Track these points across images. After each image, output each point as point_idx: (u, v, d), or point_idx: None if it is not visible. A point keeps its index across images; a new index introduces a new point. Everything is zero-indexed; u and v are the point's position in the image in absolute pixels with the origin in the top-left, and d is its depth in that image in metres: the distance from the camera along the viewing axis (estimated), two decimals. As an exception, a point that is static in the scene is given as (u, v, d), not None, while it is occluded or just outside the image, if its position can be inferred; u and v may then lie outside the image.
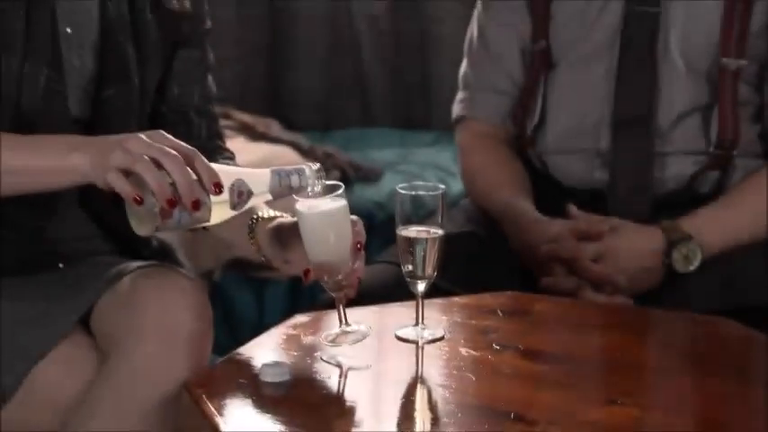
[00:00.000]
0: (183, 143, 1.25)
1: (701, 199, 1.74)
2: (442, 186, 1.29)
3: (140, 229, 1.22)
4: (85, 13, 1.45)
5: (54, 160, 1.28)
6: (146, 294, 1.33)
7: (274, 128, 2.76)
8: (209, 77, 1.57)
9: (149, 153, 1.21)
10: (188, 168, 1.21)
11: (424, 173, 2.57)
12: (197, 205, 1.20)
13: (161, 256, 1.52)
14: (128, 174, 1.21)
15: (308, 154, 2.57)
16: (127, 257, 1.45)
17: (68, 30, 1.42)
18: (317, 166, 1.28)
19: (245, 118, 2.75)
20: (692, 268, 1.65)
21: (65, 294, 1.38)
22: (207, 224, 1.25)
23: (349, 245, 1.26)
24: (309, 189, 1.26)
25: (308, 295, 2.16)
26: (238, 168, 1.28)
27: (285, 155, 2.49)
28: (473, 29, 1.91)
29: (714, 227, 1.68)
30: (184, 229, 1.31)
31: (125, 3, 1.47)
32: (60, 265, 1.45)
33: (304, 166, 1.26)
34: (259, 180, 1.24)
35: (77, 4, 1.43)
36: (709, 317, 1.45)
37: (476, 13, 1.91)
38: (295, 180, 1.25)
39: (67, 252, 1.46)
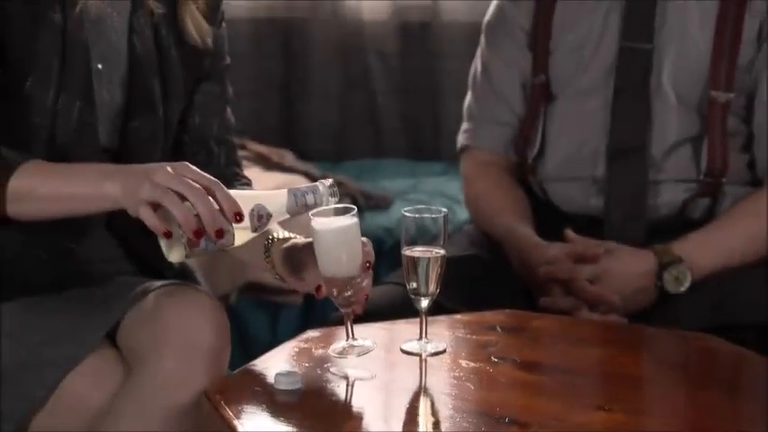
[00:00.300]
0: (205, 174, 1.33)
1: (693, 224, 1.82)
2: (444, 210, 1.36)
3: (171, 256, 1.31)
4: (115, 51, 1.54)
5: (88, 188, 1.37)
6: (168, 311, 1.41)
7: (288, 158, 2.83)
8: (228, 110, 1.65)
9: (174, 186, 1.29)
10: (210, 199, 1.29)
11: (432, 201, 2.62)
12: (221, 234, 1.28)
13: (182, 276, 1.60)
14: (156, 206, 1.30)
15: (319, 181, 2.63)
16: (150, 277, 1.53)
17: (100, 66, 1.51)
18: (329, 182, 1.36)
19: (261, 149, 2.83)
20: (682, 289, 1.73)
21: (93, 311, 1.46)
22: (231, 247, 1.34)
23: (359, 262, 1.34)
24: (324, 204, 1.33)
25: (319, 318, 2.24)
26: (257, 192, 1.36)
27: (298, 184, 2.56)
28: (477, 64, 2.00)
29: (704, 250, 1.75)
30: (211, 254, 1.39)
31: (151, 41, 1.56)
32: (84, 284, 1.54)
33: (317, 184, 1.34)
34: (277, 202, 1.32)
35: (108, 42, 1.53)
36: (697, 333, 1.53)
37: (479, 49, 2.00)
38: (310, 198, 1.33)
39: (95, 272, 1.54)
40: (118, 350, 1.46)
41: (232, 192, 1.32)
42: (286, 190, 1.33)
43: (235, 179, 1.62)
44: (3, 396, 1.43)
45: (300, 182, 2.61)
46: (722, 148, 1.82)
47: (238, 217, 1.29)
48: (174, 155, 1.57)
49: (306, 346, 1.41)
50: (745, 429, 1.25)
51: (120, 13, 1.53)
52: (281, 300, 2.45)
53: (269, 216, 1.31)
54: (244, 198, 1.31)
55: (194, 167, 1.33)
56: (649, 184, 1.84)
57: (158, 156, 1.54)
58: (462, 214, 2.30)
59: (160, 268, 1.58)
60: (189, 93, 1.62)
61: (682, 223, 1.83)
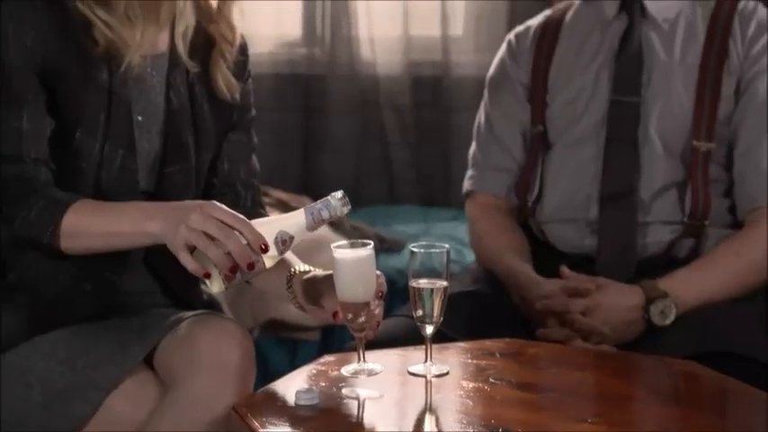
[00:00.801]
0: (232, 212, 1.47)
1: (679, 263, 1.91)
2: (447, 246, 1.51)
3: (212, 288, 1.46)
4: (154, 105, 1.68)
5: (132, 226, 1.52)
6: (201, 336, 1.55)
7: (305, 204, 2.96)
8: (254, 156, 1.79)
9: (207, 229, 1.43)
10: (239, 236, 1.44)
11: (440, 243, 2.74)
12: (252, 266, 1.43)
13: (210, 307, 1.75)
14: (194, 246, 1.44)
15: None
16: (182, 309, 1.67)
17: (140, 118, 1.66)
18: (340, 194, 1.47)
19: (282, 195, 2.95)
20: (667, 322, 1.82)
21: (131, 338, 1.60)
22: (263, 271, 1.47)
23: (373, 290, 1.48)
24: (339, 214, 1.46)
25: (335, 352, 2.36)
26: (278, 218, 1.49)
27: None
28: (481, 115, 2.12)
29: (688, 287, 1.85)
30: (247, 281, 1.55)
31: (186, 96, 1.70)
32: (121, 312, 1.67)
33: (329, 198, 1.46)
34: (296, 224, 1.45)
35: (148, 97, 1.67)
36: (681, 360, 1.66)
37: (483, 102, 2.12)
38: (325, 213, 1.45)
39: (133, 303, 1.68)
40: (155, 373, 1.59)
41: (256, 222, 1.46)
42: (303, 210, 1.45)
43: (259, 218, 1.77)
44: (55, 414, 1.57)
45: None
46: (705, 193, 1.92)
47: (264, 247, 1.44)
48: (205, 197, 1.70)
49: (323, 368, 1.55)
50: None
51: (159, 71, 1.68)
52: (299, 336, 2.56)
53: (291, 238, 1.45)
54: (267, 227, 1.44)
55: (222, 206, 1.47)
56: (638, 225, 1.93)
57: (191, 198, 1.68)
58: (469, 256, 2.41)
59: (191, 300, 1.73)
60: (218, 142, 1.75)
61: (668, 261, 1.92)
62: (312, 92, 3.45)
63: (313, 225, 1.46)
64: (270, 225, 1.46)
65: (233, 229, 1.44)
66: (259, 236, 1.45)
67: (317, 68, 3.44)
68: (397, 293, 2.01)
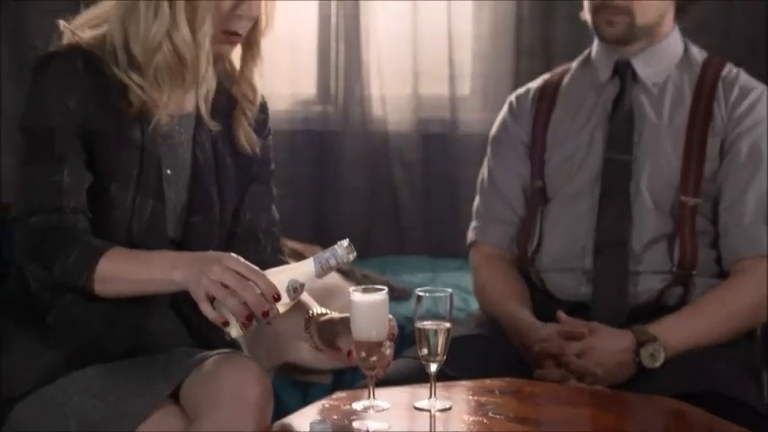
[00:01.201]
0: (249, 265, 1.59)
1: (668, 309, 2.01)
2: (449, 290, 1.63)
3: (231, 333, 1.59)
4: (181, 160, 1.81)
5: (161, 274, 1.65)
6: (223, 373, 1.67)
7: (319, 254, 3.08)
8: (273, 207, 1.91)
9: (226, 281, 1.56)
10: (254, 287, 1.56)
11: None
12: (266, 314, 1.57)
13: (231, 347, 1.88)
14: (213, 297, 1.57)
15: (348, 275, 2.84)
16: (205, 349, 1.79)
17: (169, 172, 1.79)
18: (346, 242, 1.60)
19: (296, 245, 3.04)
20: (657, 365, 1.92)
21: (158, 374, 1.72)
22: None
23: (385, 331, 1.61)
24: (345, 261, 1.59)
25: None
26: (289, 267, 1.62)
27: (328, 277, 2.80)
28: (484, 171, 2.24)
29: (676, 332, 1.95)
30: (268, 322, 1.67)
31: (210, 152, 1.83)
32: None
33: (335, 247, 1.59)
34: (306, 272, 1.59)
35: (176, 153, 1.80)
36: (668, 399, 1.77)
37: (486, 158, 2.24)
38: (332, 261, 1.59)
39: (161, 342, 1.80)
40: (180, 407, 1.71)
41: (269, 272, 1.58)
42: (311, 259, 1.59)
43: (278, 264, 1.84)
44: None
45: (330, 274, 2.86)
46: (692, 244, 2.03)
47: (277, 296, 1.57)
48: (228, 244, 1.83)
49: (335, 403, 1.68)
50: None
51: (186, 129, 1.81)
52: (311, 379, 2.67)
53: (302, 286, 1.58)
54: (279, 276, 1.57)
55: (240, 258, 1.60)
56: (630, 274, 2.04)
57: (215, 245, 1.80)
58: (474, 304, 2.50)
59: (213, 341, 1.83)
60: (240, 193, 1.88)
61: (658, 308, 2.02)
62: (326, 147, 3.53)
63: (321, 272, 1.60)
64: (282, 274, 1.59)
65: (249, 280, 1.57)
66: (272, 286, 1.58)
67: (331, 125, 3.53)
68: (405, 338, 2.11)
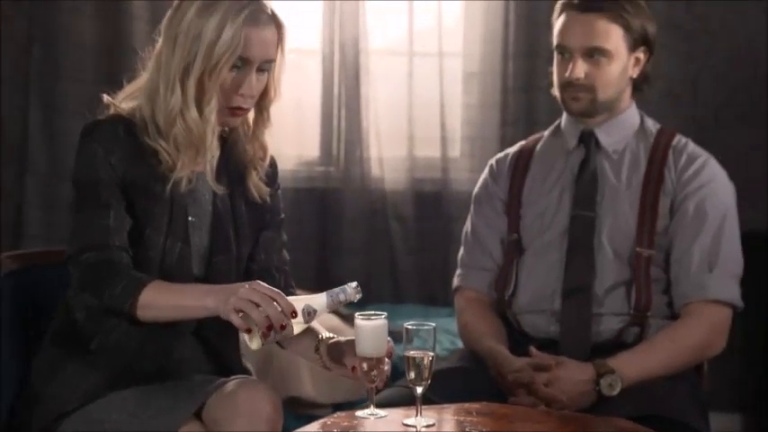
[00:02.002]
0: (272, 288, 1.87)
1: (626, 346, 2.23)
2: (433, 324, 1.90)
3: (251, 345, 1.85)
4: (203, 209, 2.07)
5: (194, 301, 1.91)
6: (240, 393, 1.93)
7: None
8: (284, 250, 2.17)
9: (252, 298, 1.84)
10: (275, 305, 1.84)
11: (438, 336, 3.06)
12: (284, 327, 1.84)
13: (246, 374, 2.15)
14: (240, 311, 1.84)
15: (346, 319, 3.06)
16: (223, 376, 2.05)
17: (192, 219, 2.05)
18: (354, 284, 1.88)
19: (299, 293, 3.32)
20: (614, 393, 2.14)
21: (185, 395, 1.97)
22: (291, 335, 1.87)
23: (384, 349, 1.88)
24: (352, 299, 1.87)
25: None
26: (305, 297, 1.90)
27: (329, 320, 2.99)
28: (468, 225, 2.47)
29: (631, 365, 2.17)
30: (279, 343, 1.92)
31: (228, 201, 2.09)
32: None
33: (346, 286, 1.87)
34: (319, 302, 1.87)
35: (199, 203, 2.06)
36: (623, 420, 2.02)
37: (469, 214, 2.47)
38: (342, 297, 1.87)
39: (185, 368, 2.06)
40: (202, 423, 1.95)
41: (289, 298, 1.86)
42: (325, 293, 1.87)
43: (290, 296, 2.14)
44: None
45: (332, 318, 3.07)
46: (647, 290, 2.26)
47: (294, 314, 1.84)
48: (246, 280, 2.03)
49: (336, 420, 1.94)
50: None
51: (207, 184, 2.06)
52: (313, 412, 2.91)
53: (315, 312, 1.86)
54: (296, 302, 1.85)
55: (263, 283, 1.88)
56: (593, 316, 2.27)
57: (234, 282, 2.02)
58: (460, 345, 2.78)
59: (230, 369, 2.10)
60: (254, 237, 2.13)
61: (617, 345, 2.25)
62: (328, 204, 3.69)
63: (331, 305, 1.88)
64: (298, 301, 1.87)
65: (271, 299, 1.85)
66: (290, 305, 1.85)
67: (333, 183, 3.70)
68: (398, 374, 2.34)
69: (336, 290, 1.89)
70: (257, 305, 1.84)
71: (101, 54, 3.64)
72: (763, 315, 3.55)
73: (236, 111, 2.03)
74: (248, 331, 1.85)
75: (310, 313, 1.87)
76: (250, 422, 1.90)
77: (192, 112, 1.99)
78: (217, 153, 2.07)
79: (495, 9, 3.69)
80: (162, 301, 1.93)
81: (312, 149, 3.77)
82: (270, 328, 1.84)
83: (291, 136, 3.66)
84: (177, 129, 1.99)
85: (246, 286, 1.87)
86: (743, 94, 3.74)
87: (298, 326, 1.87)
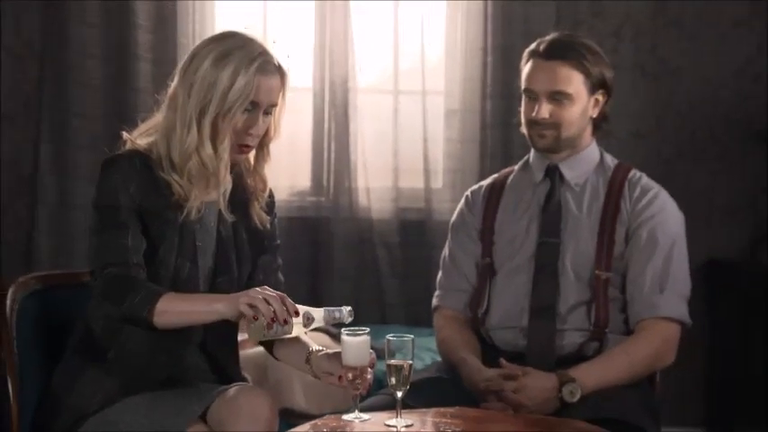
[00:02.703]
0: (275, 291, 2.08)
1: (587, 359, 2.43)
2: (412, 336, 2.12)
3: (253, 336, 2.06)
4: (209, 234, 2.28)
5: (205, 307, 2.13)
6: (241, 397, 2.15)
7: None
8: (279, 273, 2.37)
9: (259, 295, 2.05)
10: (281, 303, 2.05)
11: (420, 353, 3.22)
12: (286, 322, 2.05)
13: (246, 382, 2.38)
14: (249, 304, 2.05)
15: (335, 337, 3.19)
16: (226, 384, 2.26)
17: (200, 243, 2.26)
18: (349, 307, 2.11)
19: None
20: (575, 399, 2.34)
21: (192, 399, 2.19)
22: (290, 335, 2.09)
23: (367, 361, 2.10)
24: (345, 320, 2.10)
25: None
26: (306, 307, 2.12)
27: (320, 338, 3.17)
28: (446, 250, 2.67)
29: (590, 375, 2.37)
30: (279, 337, 2.11)
31: (230, 228, 2.30)
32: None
33: (342, 308, 2.10)
34: (317, 314, 2.09)
35: (206, 229, 2.27)
36: (581, 422, 2.23)
37: (447, 240, 2.68)
38: (336, 315, 2.10)
39: (191, 375, 2.27)
40: (207, 425, 2.17)
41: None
42: (323, 308, 2.10)
43: None
44: None
45: (322, 337, 3.26)
46: (605, 309, 2.46)
47: (296, 313, 2.06)
48: None
49: (325, 422, 2.17)
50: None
51: (212, 212, 2.28)
52: (305, 423, 3.15)
53: (313, 319, 2.09)
54: (298, 307, 2.09)
55: (269, 288, 2.09)
56: (557, 332, 2.46)
57: None
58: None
59: (231, 376, 2.32)
60: (254, 260, 2.34)
61: (579, 357, 2.44)
62: (318, 232, 3.82)
63: (327, 319, 2.12)
64: (301, 307, 2.10)
65: (277, 297, 2.07)
66: (293, 304, 2.09)
67: (323, 212, 3.83)
68: (383, 386, 2.53)
69: (333, 308, 2.14)
70: (266, 301, 2.06)
71: (106, 92, 3.83)
72: (727, 333, 3.78)
73: (243, 148, 2.24)
74: (255, 318, 2.05)
75: (309, 319, 2.11)
76: (250, 423, 2.12)
77: (207, 149, 2.19)
78: (230, 186, 2.26)
79: (474, 52, 3.86)
80: (176, 307, 2.13)
81: (304, 180, 3.89)
82: (273, 320, 2.05)
83: (285, 168, 3.76)
84: (192, 164, 2.20)
85: (257, 288, 2.09)
86: (703, 131, 3.95)
87: (297, 327, 2.09)
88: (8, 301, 2.33)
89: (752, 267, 3.71)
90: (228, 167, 2.24)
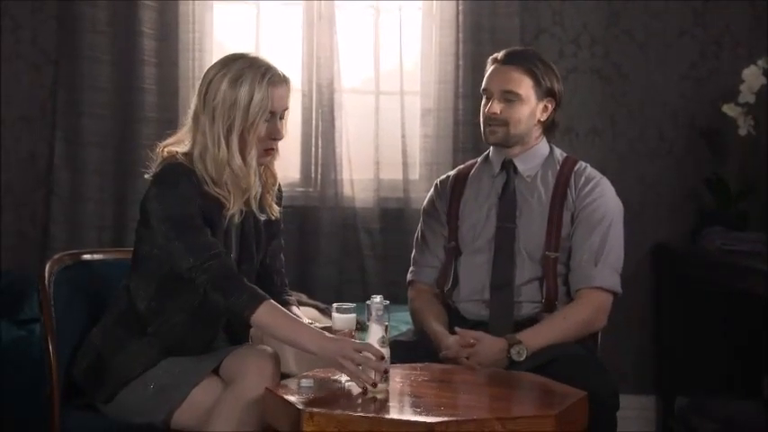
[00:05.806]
0: (359, 348, 2.29)
1: None
2: (387, 301, 2.44)
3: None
4: (236, 229, 2.56)
5: (302, 344, 2.35)
6: (249, 353, 2.48)
7: (303, 297, 3.53)
8: (282, 255, 2.68)
9: (357, 360, 2.26)
10: (368, 360, 2.24)
11: (399, 326, 3.40)
12: (375, 385, 2.24)
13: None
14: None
15: (324, 311, 3.47)
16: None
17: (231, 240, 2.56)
18: (379, 297, 2.33)
19: (292, 293, 3.55)
20: (522, 359, 2.62)
21: (207, 356, 2.54)
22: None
23: (353, 326, 2.42)
24: (382, 308, 2.36)
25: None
26: (380, 329, 2.35)
27: (310, 312, 3.41)
28: (418, 232, 2.95)
29: (534, 337, 2.66)
30: None
31: (251, 221, 2.57)
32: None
33: (377, 301, 2.31)
34: (377, 329, 2.34)
35: (233, 226, 2.54)
36: (523, 373, 2.58)
37: (420, 223, 2.95)
38: (380, 312, 2.33)
39: (216, 347, 2.60)
40: (220, 378, 2.50)
41: (349, 318, 2.39)
42: (372, 321, 2.35)
43: (286, 294, 2.64)
44: (160, 401, 2.46)
45: (312, 311, 3.50)
46: (554, 284, 2.77)
47: (382, 356, 2.27)
48: (258, 279, 2.58)
49: (317, 374, 2.54)
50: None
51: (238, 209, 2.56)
52: None
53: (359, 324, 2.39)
54: (350, 321, 2.41)
55: (374, 346, 2.29)
56: (514, 303, 2.76)
57: (253, 278, 2.54)
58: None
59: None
60: (266, 246, 2.63)
61: (532, 325, 2.74)
62: (307, 219, 3.95)
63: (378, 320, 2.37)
64: (351, 320, 2.41)
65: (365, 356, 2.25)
66: (378, 351, 2.26)
67: (311, 202, 3.96)
68: None
69: (376, 308, 2.36)
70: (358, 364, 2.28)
71: (115, 94, 4.06)
72: (680, 308, 4.09)
73: (269, 151, 2.49)
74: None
75: (384, 342, 2.38)
76: (256, 375, 2.43)
77: (237, 160, 2.43)
78: (259, 190, 2.51)
79: (447, 57, 4.06)
80: (273, 327, 2.36)
81: (294, 173, 4.01)
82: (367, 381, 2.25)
83: (276, 162, 3.58)
84: (227, 175, 2.43)
85: (343, 351, 2.28)
86: (652, 129, 4.22)
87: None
88: (46, 274, 2.70)
89: (693, 251, 3.95)
90: (257, 173, 2.48)
